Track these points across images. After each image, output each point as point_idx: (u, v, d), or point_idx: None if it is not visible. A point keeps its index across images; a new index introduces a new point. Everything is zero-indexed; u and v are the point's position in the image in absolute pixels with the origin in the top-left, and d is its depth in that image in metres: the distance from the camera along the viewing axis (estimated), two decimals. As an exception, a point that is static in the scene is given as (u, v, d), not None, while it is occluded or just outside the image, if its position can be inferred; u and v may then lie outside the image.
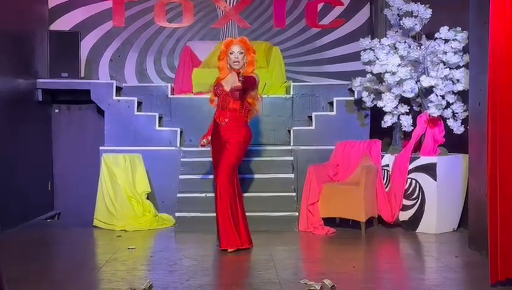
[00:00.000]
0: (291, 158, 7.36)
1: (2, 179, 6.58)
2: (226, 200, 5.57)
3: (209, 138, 5.92)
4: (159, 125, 7.79)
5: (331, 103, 7.90)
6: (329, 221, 6.69)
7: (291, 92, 8.18)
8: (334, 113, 7.79)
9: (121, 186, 6.95)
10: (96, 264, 5.40)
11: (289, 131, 7.84)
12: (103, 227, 6.86)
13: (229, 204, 5.58)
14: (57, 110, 8.35)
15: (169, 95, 8.12)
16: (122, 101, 7.81)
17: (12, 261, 5.17)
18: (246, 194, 6.82)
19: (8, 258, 5.29)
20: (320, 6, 9.04)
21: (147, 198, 7.17)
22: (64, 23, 8.56)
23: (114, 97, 7.78)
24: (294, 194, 6.96)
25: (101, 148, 7.43)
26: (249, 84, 5.54)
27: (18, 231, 6.73)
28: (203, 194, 6.83)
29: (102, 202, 6.96)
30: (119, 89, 8.02)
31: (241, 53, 5.68)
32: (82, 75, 8.37)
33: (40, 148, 7.94)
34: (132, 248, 5.78)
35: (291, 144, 7.65)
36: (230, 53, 5.69)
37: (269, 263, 5.20)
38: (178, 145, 7.63)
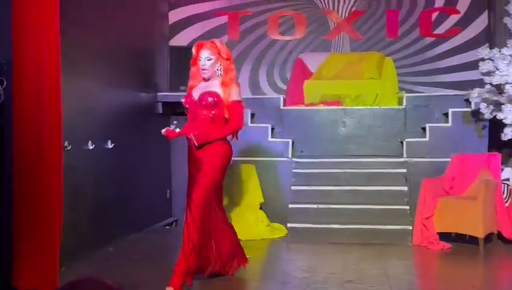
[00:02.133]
0: (404, 170, 7.12)
1: (127, 187, 6.85)
2: (197, 224, 4.62)
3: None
4: (272, 137, 7.80)
5: (446, 114, 7.57)
6: (444, 236, 6.39)
7: (404, 103, 7.92)
8: (449, 124, 7.45)
9: (235, 196, 7.03)
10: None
11: (401, 142, 7.60)
12: (218, 235, 6.95)
13: (200, 230, 4.64)
14: (175, 122, 8.52)
15: (281, 107, 8.12)
16: (236, 112, 7.89)
17: (135, 265, 5.37)
18: (357, 206, 6.71)
19: (132, 262, 5.50)
20: (435, 15, 8.73)
21: (260, 208, 7.20)
22: (182, 38, 8.82)
23: (229, 109, 7.87)
24: (407, 207, 6.72)
25: (216, 158, 7.54)
26: (203, 138, 4.59)
27: (141, 237, 6.96)
28: (315, 205, 6.76)
29: (217, 210, 7.06)
30: (233, 101, 8.11)
31: (210, 59, 4.67)
32: (199, 87, 8.54)
33: (159, 158, 8.19)
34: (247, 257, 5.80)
35: (404, 155, 7.41)
36: (199, 60, 4.73)
37: (383, 277, 5.03)
38: (290, 155, 7.60)
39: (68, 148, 5.13)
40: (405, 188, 6.93)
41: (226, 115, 4.69)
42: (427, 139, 7.44)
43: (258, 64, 8.98)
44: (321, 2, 8.91)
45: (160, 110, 8.02)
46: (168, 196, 8.45)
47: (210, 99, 4.62)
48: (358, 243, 6.34)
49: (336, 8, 8.90)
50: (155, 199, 7.92)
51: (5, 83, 4.33)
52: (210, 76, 4.70)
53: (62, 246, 4.37)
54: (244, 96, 8.35)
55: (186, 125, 4.75)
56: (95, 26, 6.01)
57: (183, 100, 4.87)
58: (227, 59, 4.72)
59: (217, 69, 4.70)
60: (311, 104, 8.05)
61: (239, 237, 6.74)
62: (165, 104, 8.08)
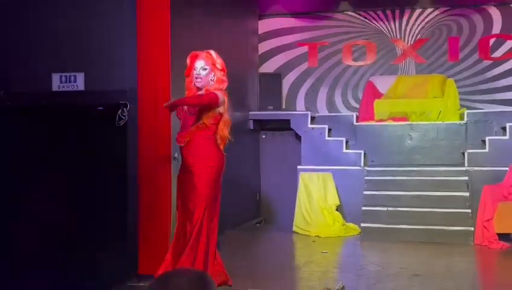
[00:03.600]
0: (466, 178, 6.84)
1: (224, 190, 6.96)
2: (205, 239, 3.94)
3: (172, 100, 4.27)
4: (346, 148, 7.72)
5: (504, 128, 7.23)
6: (503, 236, 6.10)
7: (465, 118, 7.62)
8: (507, 137, 7.09)
9: (315, 199, 7.01)
10: (296, 264, 5.47)
11: (463, 153, 7.31)
12: (300, 232, 6.95)
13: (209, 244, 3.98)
14: (264, 136, 8.67)
15: (354, 123, 8.01)
16: (315, 128, 7.88)
17: (230, 257, 5.44)
18: (424, 209, 6.51)
19: (227, 254, 5.58)
20: (492, 40, 8.37)
21: (336, 210, 7.13)
22: (270, 66, 8.90)
23: (309, 125, 7.88)
24: (469, 210, 6.46)
25: (298, 167, 7.56)
26: (177, 101, 4.01)
27: (235, 233, 7.07)
28: (385, 208, 6.63)
29: (300, 211, 7.08)
30: (313, 118, 8.11)
31: (205, 69, 4.04)
32: (283, 107, 8.61)
33: (251, 166, 8.30)
34: (325, 252, 5.76)
35: (466, 165, 7.12)
36: (194, 69, 4.08)
37: (448, 273, 4.86)
38: (362, 165, 7.49)
39: (176, 156, 5.24)
40: (467, 194, 6.66)
41: (220, 128, 4.09)
42: (486, 150, 7.12)
43: (334, 86, 8.92)
44: (390, 32, 8.75)
45: (251, 127, 8.14)
46: (258, 199, 8.53)
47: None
48: (424, 242, 6.16)
49: (402, 36, 8.72)
50: (247, 201, 8.02)
51: (128, 106, 4.55)
52: (203, 85, 4.05)
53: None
54: (321, 114, 8.47)
55: (178, 134, 4.08)
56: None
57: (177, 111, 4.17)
58: (222, 70, 4.11)
59: (211, 80, 4.06)
60: (381, 120, 7.91)
61: (319, 234, 6.75)
62: (255, 121, 8.19)
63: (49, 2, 4.73)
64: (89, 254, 4.43)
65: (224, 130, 4.09)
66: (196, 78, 4.04)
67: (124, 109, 4.55)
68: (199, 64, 4.05)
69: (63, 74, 4.64)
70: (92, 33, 4.65)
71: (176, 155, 4.40)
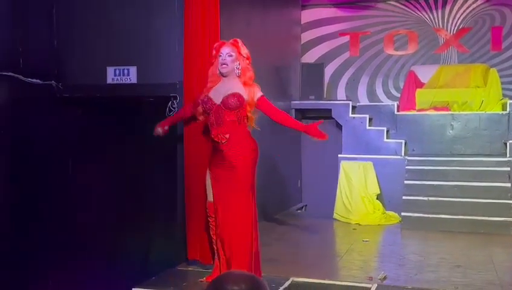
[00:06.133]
0: (508, 169, 6.66)
1: (266, 178, 6.99)
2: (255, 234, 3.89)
3: (166, 127, 4.28)
4: (387, 138, 7.61)
5: (548, 119, 6.99)
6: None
7: (508, 109, 7.38)
8: (550, 128, 6.87)
9: (356, 187, 6.97)
10: (337, 252, 5.46)
11: (505, 144, 7.10)
12: (341, 220, 6.93)
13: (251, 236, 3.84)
14: (305, 125, 8.62)
15: (395, 112, 7.88)
16: (356, 117, 7.79)
17: (272, 243, 5.47)
18: (464, 200, 6.38)
19: (269, 241, 5.61)
20: (536, 29, 8.06)
21: (377, 198, 7.07)
22: (311, 56, 8.82)
23: (350, 114, 7.80)
24: (510, 201, 6.29)
25: (339, 155, 7.51)
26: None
27: (277, 219, 7.11)
28: (426, 198, 6.52)
29: (340, 199, 7.05)
30: (353, 108, 8.02)
31: (231, 56, 3.89)
32: (325, 96, 8.54)
33: (293, 154, 8.29)
34: (366, 241, 5.73)
35: (508, 155, 6.91)
36: (219, 55, 3.92)
37: (489, 264, 4.76)
38: (403, 154, 7.38)
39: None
40: (508, 185, 6.48)
41: (249, 114, 3.92)
42: (529, 141, 6.91)
43: (375, 75, 8.78)
44: (432, 21, 8.52)
45: (293, 116, 8.09)
46: (299, 185, 8.53)
47: (234, 101, 3.85)
48: (465, 232, 6.05)
49: (445, 26, 8.48)
50: (289, 187, 8.04)
51: (178, 98, 4.61)
52: (228, 72, 3.90)
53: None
54: (362, 104, 8.35)
55: (214, 130, 3.88)
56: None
57: (201, 101, 4.01)
58: (247, 58, 3.96)
59: (236, 68, 3.91)
60: (422, 110, 7.75)
61: (359, 222, 6.71)
62: (297, 110, 8.15)
63: (104, 0, 4.82)
64: (140, 240, 4.54)
65: (252, 122, 3.98)
66: (222, 64, 3.89)
67: (174, 101, 4.61)
68: (225, 50, 3.91)
69: (117, 68, 4.73)
70: (144, 28, 4.71)
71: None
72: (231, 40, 3.97)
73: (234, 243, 3.78)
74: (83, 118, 4.96)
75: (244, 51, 3.95)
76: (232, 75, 3.92)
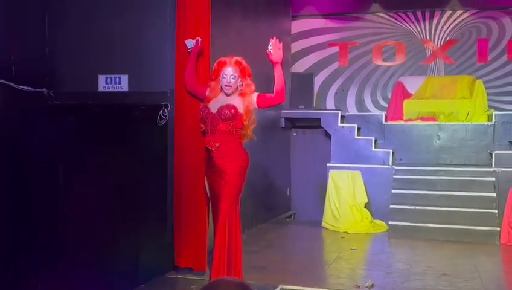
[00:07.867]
0: (493, 179, 6.73)
1: (256, 186, 7.01)
2: (232, 231, 4.01)
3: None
4: (375, 147, 7.67)
5: (532, 130, 7.09)
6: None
7: (493, 120, 7.49)
8: (535, 139, 6.97)
9: (344, 196, 7.00)
10: (325, 260, 5.48)
11: (491, 154, 7.19)
12: (329, 228, 6.95)
13: (233, 235, 4.01)
14: (295, 134, 8.67)
15: (383, 122, 7.95)
16: (345, 127, 7.85)
17: (261, 251, 5.48)
18: (451, 209, 6.44)
19: (258, 248, 5.62)
20: (521, 42, 8.18)
21: (365, 207, 7.10)
22: (301, 66, 8.89)
23: (339, 124, 7.86)
24: (495, 211, 6.36)
25: (328, 164, 7.55)
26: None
27: (266, 227, 7.12)
28: (413, 207, 6.58)
29: (329, 208, 7.07)
30: (342, 117, 8.07)
31: (234, 78, 4.05)
32: (314, 105, 8.59)
33: (282, 162, 8.32)
34: (354, 249, 5.76)
35: (493, 165, 7.00)
36: (223, 77, 4.07)
37: (474, 272, 4.81)
38: (390, 163, 7.44)
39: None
40: (493, 194, 6.56)
41: (245, 123, 4.04)
42: (514, 151, 7.00)
43: (364, 86, 8.85)
44: (419, 33, 8.63)
45: (283, 124, 8.15)
46: (288, 194, 8.55)
47: (227, 112, 4.00)
48: (451, 241, 6.11)
49: (432, 38, 8.59)
50: (278, 196, 8.05)
51: (169, 106, 4.61)
52: (232, 92, 4.07)
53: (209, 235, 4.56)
54: (351, 113, 8.41)
55: (207, 138, 4.09)
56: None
57: (201, 108, 4.21)
58: (248, 76, 4.12)
59: (239, 85, 4.08)
60: (410, 120, 7.83)
61: (347, 230, 6.74)
62: (287, 119, 8.19)
63: (97, 8, 4.82)
64: (130, 248, 4.51)
65: (249, 130, 4.09)
66: (226, 86, 4.04)
67: (165, 110, 4.61)
68: (229, 72, 4.05)
69: (109, 76, 4.73)
70: (136, 37, 4.71)
71: None
72: (234, 60, 4.10)
73: (216, 246, 3.93)
74: (74, 125, 4.94)
75: (247, 69, 4.11)
76: (235, 92, 4.09)
